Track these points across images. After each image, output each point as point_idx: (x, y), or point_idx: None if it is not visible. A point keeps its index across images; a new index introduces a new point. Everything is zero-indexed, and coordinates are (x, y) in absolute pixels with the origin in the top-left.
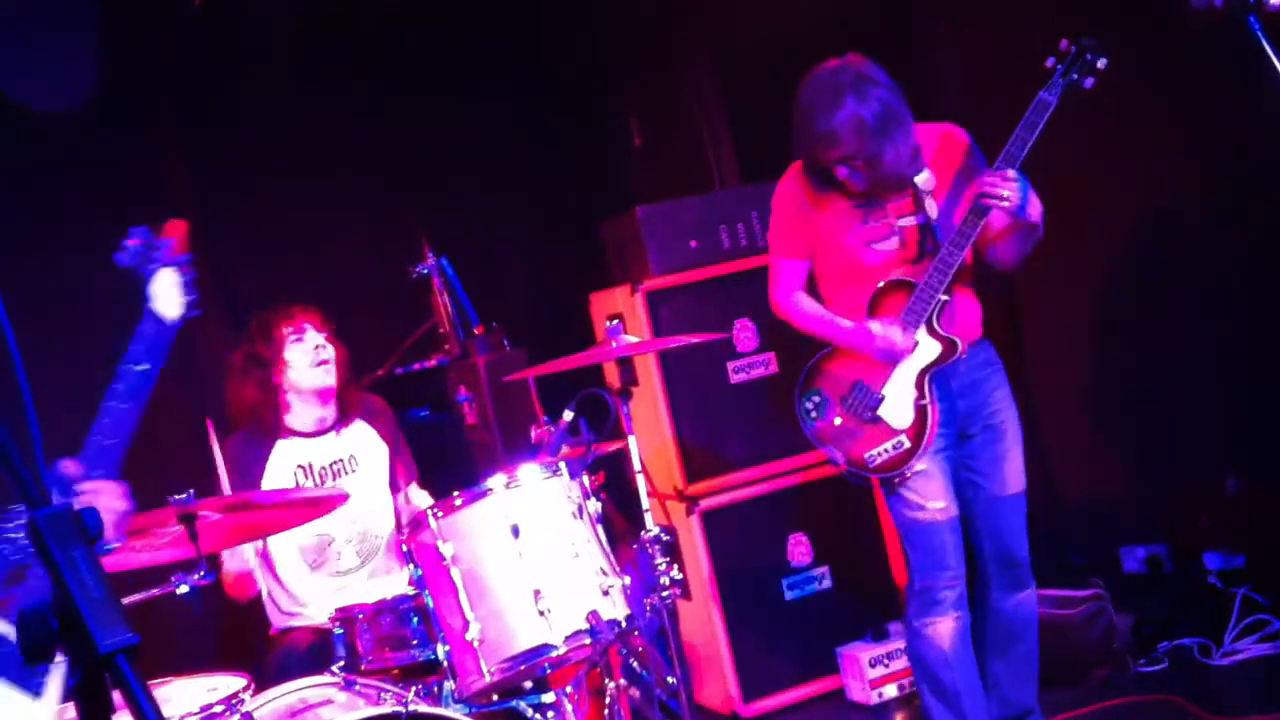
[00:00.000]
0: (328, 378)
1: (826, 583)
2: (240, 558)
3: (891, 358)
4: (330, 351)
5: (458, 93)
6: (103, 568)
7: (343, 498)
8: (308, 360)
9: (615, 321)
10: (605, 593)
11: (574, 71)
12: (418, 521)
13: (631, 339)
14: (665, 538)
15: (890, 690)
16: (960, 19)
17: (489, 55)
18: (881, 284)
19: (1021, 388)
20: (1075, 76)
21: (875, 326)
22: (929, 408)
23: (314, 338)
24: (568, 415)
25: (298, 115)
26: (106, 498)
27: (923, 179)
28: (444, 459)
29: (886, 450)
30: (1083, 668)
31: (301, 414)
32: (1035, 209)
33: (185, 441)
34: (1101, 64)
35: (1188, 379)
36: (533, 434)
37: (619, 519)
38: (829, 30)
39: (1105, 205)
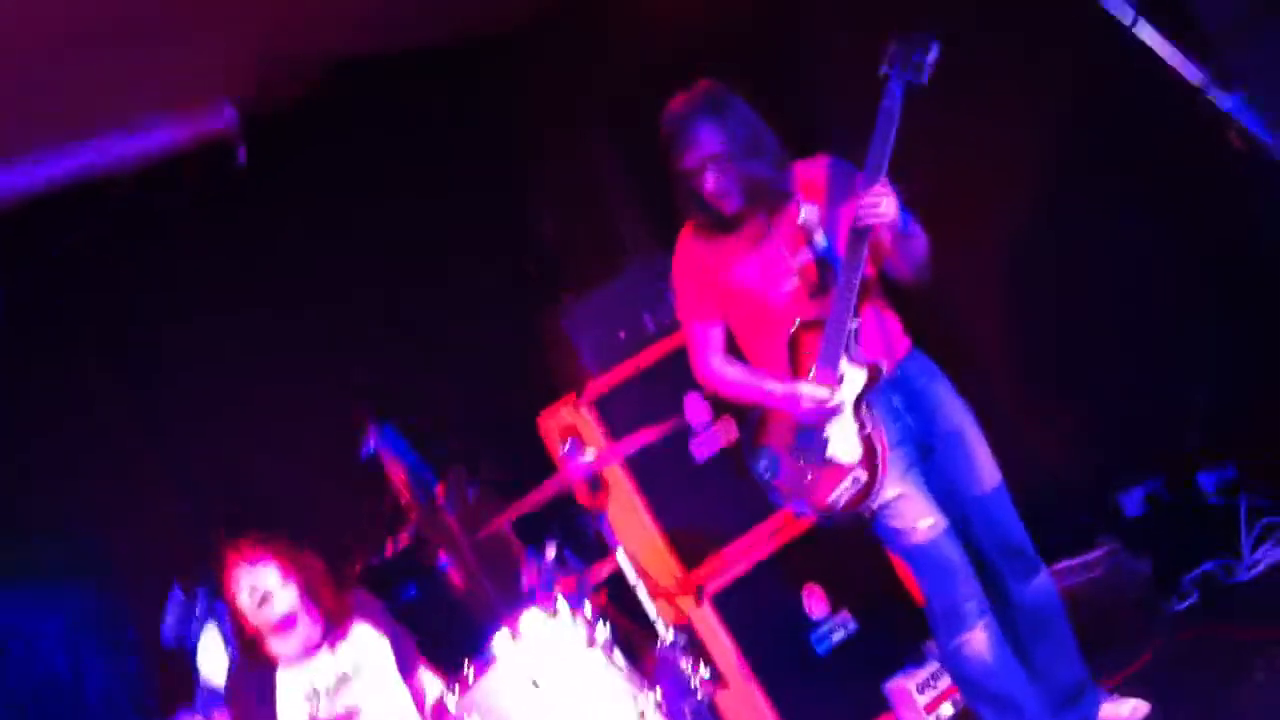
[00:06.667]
0: (273, 613)
1: (851, 625)
2: None
3: (822, 416)
4: (270, 580)
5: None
6: None
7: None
8: (249, 604)
9: (569, 443)
10: (641, 715)
11: (483, 188)
12: (439, 710)
13: (589, 455)
14: (682, 639)
15: (946, 710)
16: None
17: (386, 206)
18: (793, 329)
19: (974, 378)
20: (910, 76)
21: (805, 389)
22: (873, 435)
23: (245, 577)
24: (550, 551)
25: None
26: None
27: (804, 214)
28: (447, 630)
29: (846, 488)
30: (1119, 625)
31: (282, 647)
32: (910, 219)
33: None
34: (931, 57)
35: (1124, 318)
36: (523, 578)
37: (635, 630)
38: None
39: (989, 179)
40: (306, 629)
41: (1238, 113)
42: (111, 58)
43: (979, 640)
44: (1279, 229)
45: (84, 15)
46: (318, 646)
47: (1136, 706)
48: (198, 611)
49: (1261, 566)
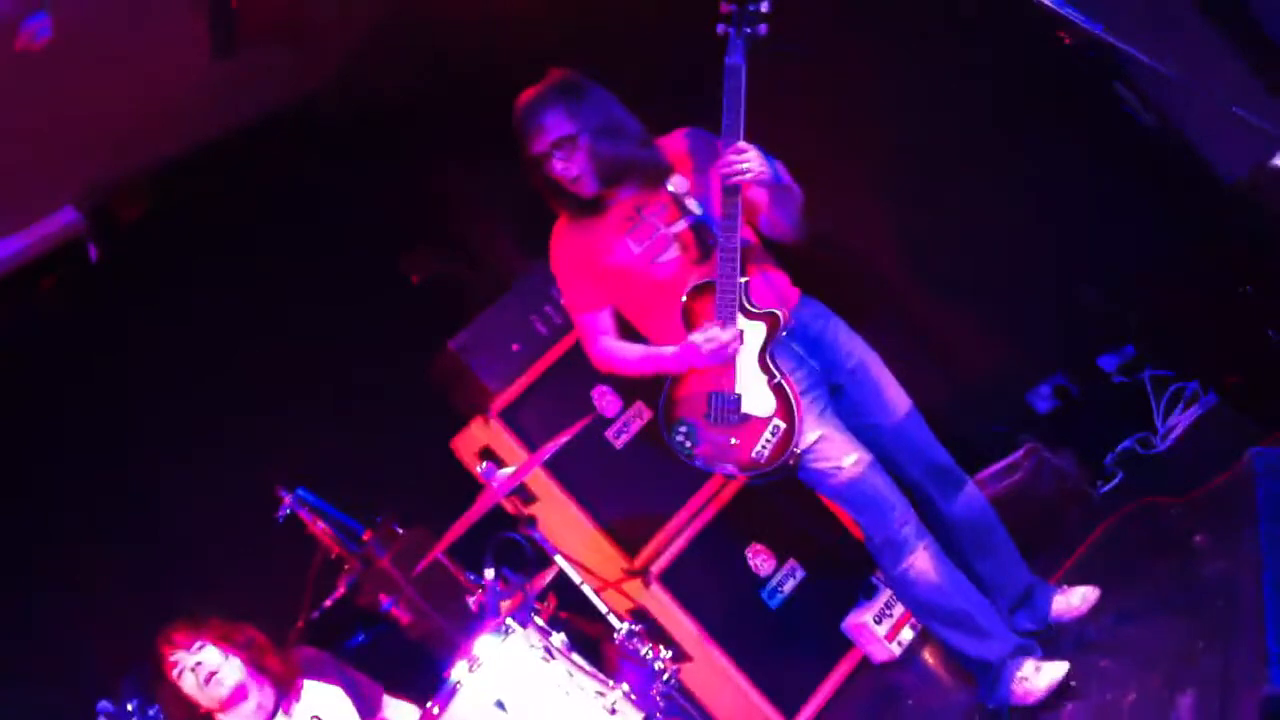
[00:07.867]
0: (222, 689)
1: (800, 574)
2: None
3: (726, 359)
4: (211, 658)
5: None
6: None
7: None
8: (196, 685)
9: (486, 463)
10: (613, 711)
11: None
12: None
13: (508, 470)
14: (636, 626)
15: (907, 634)
16: None
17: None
18: (685, 296)
19: (871, 313)
20: (749, 30)
21: (696, 337)
22: (784, 383)
23: (186, 659)
24: (489, 574)
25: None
26: None
27: (674, 183)
28: (404, 670)
29: (768, 440)
30: (1054, 521)
31: (235, 718)
32: (781, 170)
33: None
34: (765, 7)
35: (1002, 221)
36: (470, 603)
37: (591, 628)
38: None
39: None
40: (258, 698)
41: (1061, 9)
42: None
43: (923, 562)
44: (1132, 109)
45: None
46: (273, 713)
47: (1086, 594)
48: (137, 713)
49: (1176, 432)
